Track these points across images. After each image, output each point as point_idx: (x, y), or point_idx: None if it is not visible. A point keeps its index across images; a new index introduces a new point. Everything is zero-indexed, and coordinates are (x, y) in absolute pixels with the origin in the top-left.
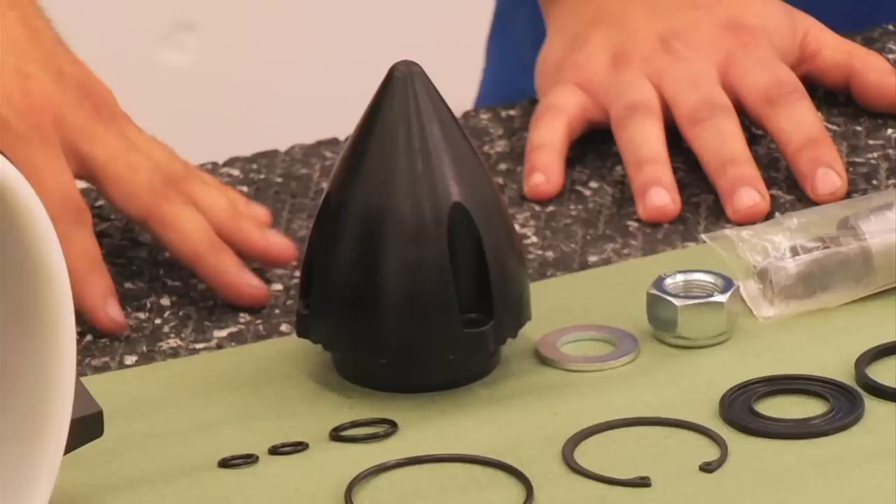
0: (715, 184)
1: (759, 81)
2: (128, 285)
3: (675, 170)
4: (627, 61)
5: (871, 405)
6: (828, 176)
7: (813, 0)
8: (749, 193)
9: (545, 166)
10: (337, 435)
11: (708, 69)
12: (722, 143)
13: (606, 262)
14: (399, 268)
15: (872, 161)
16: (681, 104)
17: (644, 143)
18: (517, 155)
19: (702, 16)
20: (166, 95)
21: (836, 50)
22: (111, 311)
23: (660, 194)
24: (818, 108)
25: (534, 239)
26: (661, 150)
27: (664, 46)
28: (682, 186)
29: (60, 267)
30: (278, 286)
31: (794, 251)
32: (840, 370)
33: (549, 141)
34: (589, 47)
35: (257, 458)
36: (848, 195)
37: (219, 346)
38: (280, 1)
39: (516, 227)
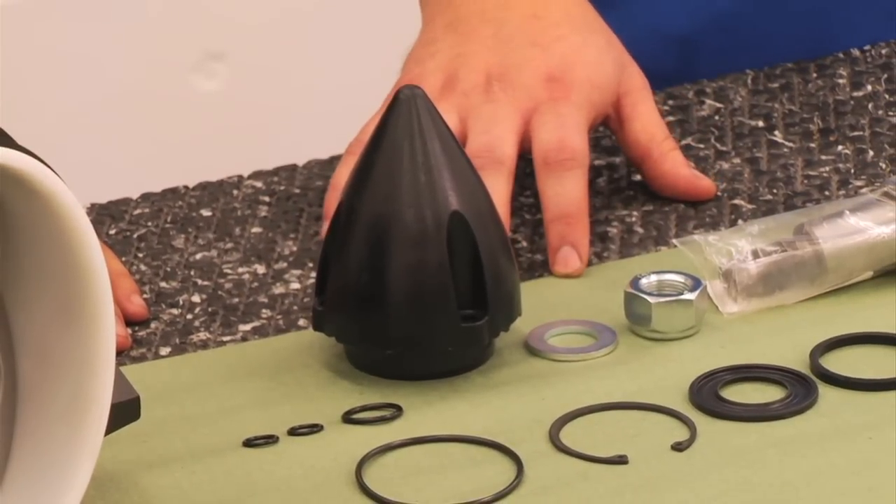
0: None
1: (545, 140)
2: (163, 285)
3: (643, 183)
4: (451, 91)
5: (825, 391)
6: (569, 256)
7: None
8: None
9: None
10: (348, 418)
11: (510, 117)
12: (492, 193)
13: (588, 263)
14: (404, 269)
15: (825, 174)
16: (469, 145)
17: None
18: None
19: (535, 55)
20: (198, 117)
21: (642, 127)
22: (134, 301)
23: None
24: (773, 127)
25: (524, 243)
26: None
27: (486, 85)
28: (653, 196)
29: (101, 266)
30: (296, 285)
31: (756, 254)
32: (796, 360)
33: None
34: (431, 63)
35: (277, 438)
36: (803, 205)
37: (243, 339)
38: (298, 34)
39: (508, 232)
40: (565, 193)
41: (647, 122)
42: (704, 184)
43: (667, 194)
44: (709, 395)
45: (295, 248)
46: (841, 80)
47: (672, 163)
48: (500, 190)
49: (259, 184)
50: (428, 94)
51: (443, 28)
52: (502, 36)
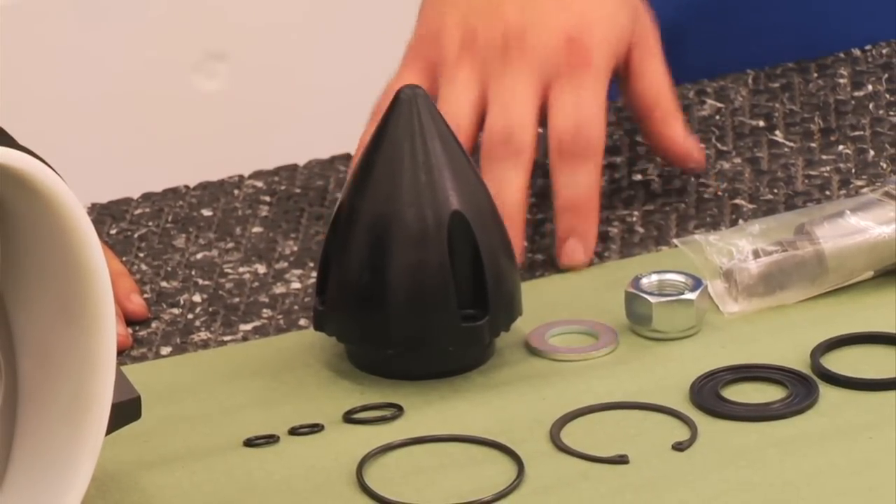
0: None
1: (562, 124)
2: (163, 284)
3: (647, 181)
4: (469, 51)
5: (825, 391)
6: (575, 248)
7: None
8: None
9: None
10: (349, 417)
11: (528, 90)
12: (499, 193)
13: (589, 263)
14: (404, 268)
15: (826, 174)
16: (488, 128)
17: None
18: None
19: (554, 13)
20: (199, 117)
21: (650, 84)
22: (134, 300)
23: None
24: (774, 127)
25: (524, 243)
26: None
27: (503, 46)
28: (654, 196)
29: (102, 266)
30: (297, 285)
31: (756, 254)
32: (797, 360)
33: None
34: (450, 15)
35: (278, 438)
36: (804, 205)
37: (244, 339)
38: (299, 34)
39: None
40: (577, 184)
41: (656, 80)
42: (697, 156)
43: (659, 155)
44: (709, 394)
45: (295, 248)
46: (842, 80)
47: (673, 127)
48: (518, 183)
49: (260, 183)
50: (449, 58)
51: None
52: None
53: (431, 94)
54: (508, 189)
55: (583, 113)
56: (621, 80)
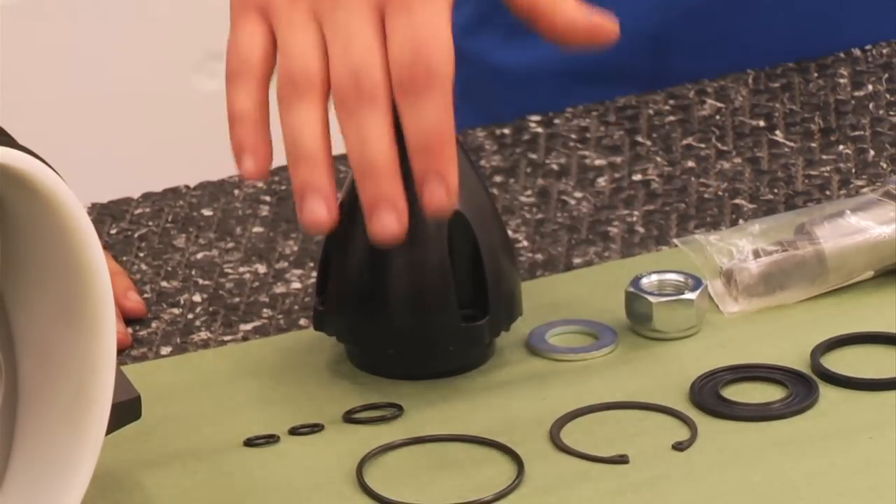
0: (359, 195)
1: (398, 55)
2: (164, 284)
3: (648, 181)
4: None
5: (825, 391)
6: (435, 191)
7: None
8: (387, 218)
9: (253, 145)
10: (349, 417)
11: (365, 19)
12: (363, 147)
13: (589, 263)
14: (405, 268)
15: (826, 174)
16: (334, 74)
17: (303, 135)
18: (509, 168)
19: None
20: (200, 117)
21: None
22: (132, 298)
23: (314, 204)
24: (774, 127)
25: (525, 243)
26: (319, 145)
27: None
28: (654, 195)
29: (102, 266)
30: (297, 285)
31: (756, 254)
32: (797, 360)
33: (248, 110)
34: None
35: (278, 437)
36: (804, 205)
37: (244, 339)
38: None
39: (509, 232)
40: (426, 122)
41: None
42: (604, 28)
43: (567, 44)
44: (709, 394)
45: (296, 248)
46: (842, 80)
47: (563, 15)
48: (381, 132)
49: (260, 183)
50: (276, 3)
51: None
52: None
53: (271, 41)
54: (374, 142)
55: (419, 36)
56: None
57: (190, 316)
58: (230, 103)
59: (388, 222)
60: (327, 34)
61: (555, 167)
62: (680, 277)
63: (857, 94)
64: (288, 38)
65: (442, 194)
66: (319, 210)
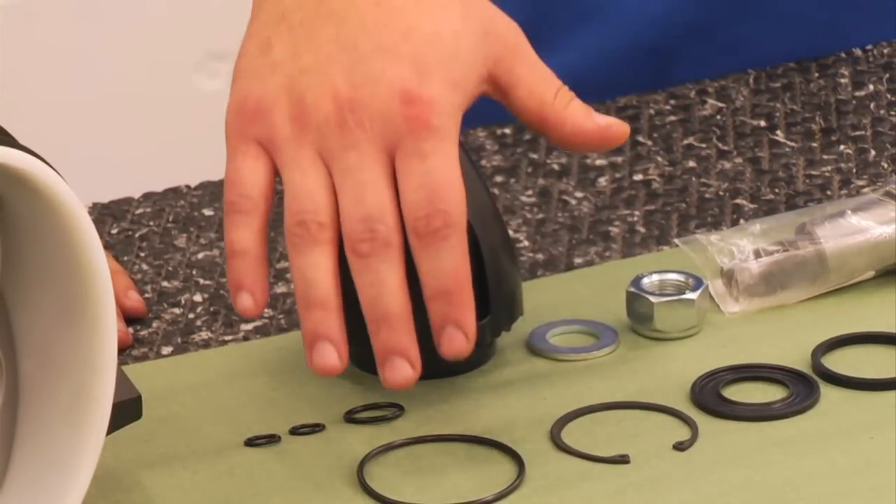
0: (371, 341)
1: (413, 202)
2: (164, 284)
3: (648, 181)
4: (304, 125)
5: (826, 391)
6: (454, 336)
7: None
8: (400, 367)
9: (251, 283)
10: (350, 417)
11: (376, 166)
12: (378, 294)
13: (590, 263)
14: (407, 268)
15: (827, 174)
16: (346, 220)
17: (314, 280)
18: (510, 168)
19: (384, 67)
20: (200, 117)
21: (528, 93)
22: (132, 297)
23: (325, 350)
24: (775, 127)
25: (526, 243)
26: (331, 291)
27: (338, 117)
28: (655, 195)
29: (103, 266)
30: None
31: (757, 254)
32: (798, 359)
33: (248, 247)
34: (272, 80)
35: (279, 437)
36: (805, 205)
37: (245, 338)
38: None
39: (510, 232)
40: (442, 268)
41: (531, 85)
42: (614, 130)
43: (581, 152)
44: (710, 394)
45: None
46: (843, 80)
47: (572, 121)
48: (394, 282)
49: None
50: (283, 135)
51: (276, 21)
52: (344, 39)
53: (274, 172)
54: (388, 291)
55: (433, 182)
56: (502, 101)
57: (191, 316)
58: (229, 238)
59: (401, 371)
60: (336, 178)
61: (556, 167)
62: (681, 277)
63: (857, 93)
64: (296, 179)
65: (462, 341)
66: (331, 357)
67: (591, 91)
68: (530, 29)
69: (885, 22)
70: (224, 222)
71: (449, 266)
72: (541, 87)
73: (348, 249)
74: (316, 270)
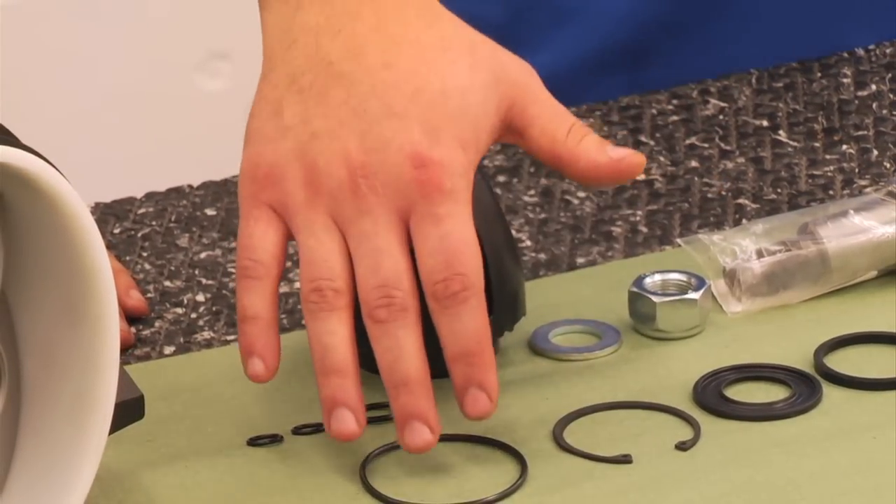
0: (390, 404)
1: (430, 267)
2: (167, 284)
3: (651, 181)
4: (317, 190)
5: (829, 391)
6: (478, 398)
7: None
8: (420, 431)
9: (262, 348)
10: None
11: (391, 232)
12: (396, 359)
13: (592, 263)
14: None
15: (829, 173)
16: (362, 287)
17: (332, 346)
18: (512, 168)
19: (394, 131)
20: (202, 117)
21: (540, 132)
22: (133, 296)
23: (343, 416)
24: (778, 127)
25: (528, 243)
26: (349, 358)
27: (351, 183)
28: (657, 195)
29: (105, 266)
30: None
31: (760, 253)
32: (800, 359)
33: (259, 313)
34: (283, 145)
35: (282, 437)
36: (807, 204)
37: None
38: None
39: (513, 231)
40: (463, 330)
41: (543, 124)
42: (628, 162)
43: (599, 187)
44: (713, 394)
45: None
46: (845, 80)
47: (586, 157)
48: (413, 347)
49: None
50: (296, 201)
51: (286, 84)
52: (355, 103)
53: (287, 237)
54: (407, 356)
55: (450, 246)
56: (517, 143)
57: (193, 315)
58: (241, 302)
59: (421, 435)
60: (351, 244)
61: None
62: (683, 277)
63: (860, 93)
64: (311, 245)
65: (486, 402)
66: (349, 423)
67: (570, 91)
68: (509, 30)
69: (887, 22)
70: (236, 286)
71: (470, 328)
72: (553, 125)
73: (366, 316)
74: (332, 336)
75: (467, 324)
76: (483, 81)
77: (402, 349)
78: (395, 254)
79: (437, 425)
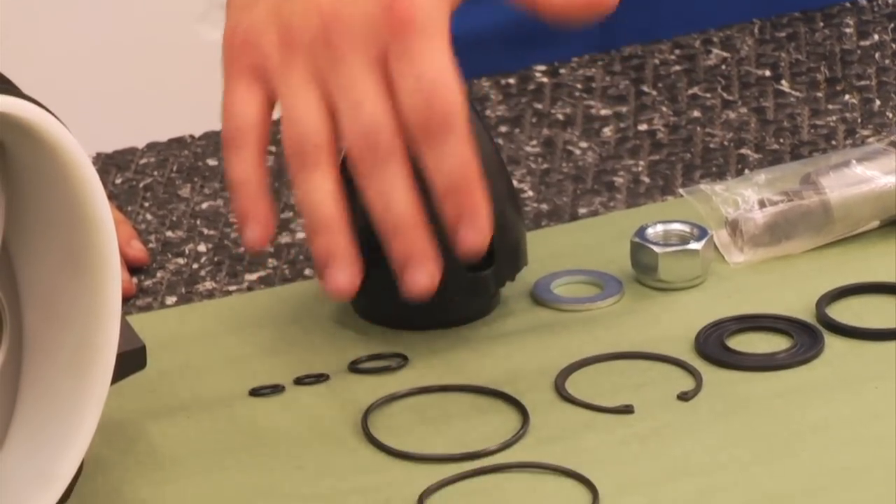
0: (388, 251)
1: (410, 106)
2: (168, 234)
3: (653, 131)
4: (292, 49)
5: (831, 341)
6: (469, 231)
7: None
8: (420, 271)
9: (255, 212)
10: (355, 367)
11: (367, 78)
12: (388, 203)
13: (594, 213)
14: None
15: (832, 123)
16: (346, 137)
17: (317, 202)
18: (514, 118)
19: None
20: (204, 67)
21: None
22: (134, 246)
23: (336, 272)
24: (780, 77)
25: (530, 193)
26: (335, 210)
27: (324, 35)
28: (660, 145)
29: (107, 216)
30: (302, 235)
31: (762, 204)
32: (802, 310)
33: (248, 177)
34: (257, 9)
35: (284, 387)
36: (809, 154)
37: (249, 289)
38: None
39: (514, 182)
40: (449, 163)
41: None
42: None
43: (574, 24)
44: (715, 344)
45: None
46: (848, 30)
47: None
48: (404, 190)
49: None
50: (272, 58)
51: None
52: None
53: (269, 101)
54: (398, 198)
55: (427, 80)
56: None
57: (195, 266)
58: (229, 171)
59: (421, 278)
60: (333, 94)
61: (560, 117)
62: (685, 227)
63: (862, 43)
64: (291, 103)
65: (476, 237)
66: (343, 278)
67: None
68: None
69: None
70: (223, 157)
71: (455, 160)
72: None
73: (352, 164)
74: (317, 193)
75: (453, 157)
76: None
77: (393, 192)
78: (375, 99)
79: (435, 265)
